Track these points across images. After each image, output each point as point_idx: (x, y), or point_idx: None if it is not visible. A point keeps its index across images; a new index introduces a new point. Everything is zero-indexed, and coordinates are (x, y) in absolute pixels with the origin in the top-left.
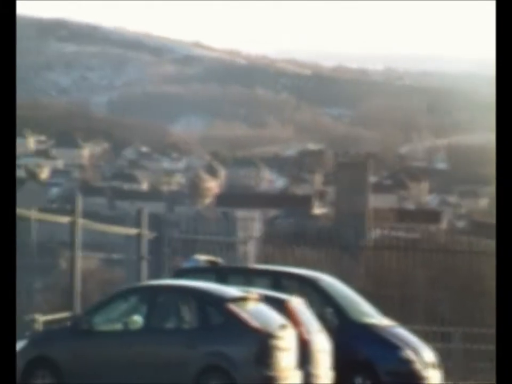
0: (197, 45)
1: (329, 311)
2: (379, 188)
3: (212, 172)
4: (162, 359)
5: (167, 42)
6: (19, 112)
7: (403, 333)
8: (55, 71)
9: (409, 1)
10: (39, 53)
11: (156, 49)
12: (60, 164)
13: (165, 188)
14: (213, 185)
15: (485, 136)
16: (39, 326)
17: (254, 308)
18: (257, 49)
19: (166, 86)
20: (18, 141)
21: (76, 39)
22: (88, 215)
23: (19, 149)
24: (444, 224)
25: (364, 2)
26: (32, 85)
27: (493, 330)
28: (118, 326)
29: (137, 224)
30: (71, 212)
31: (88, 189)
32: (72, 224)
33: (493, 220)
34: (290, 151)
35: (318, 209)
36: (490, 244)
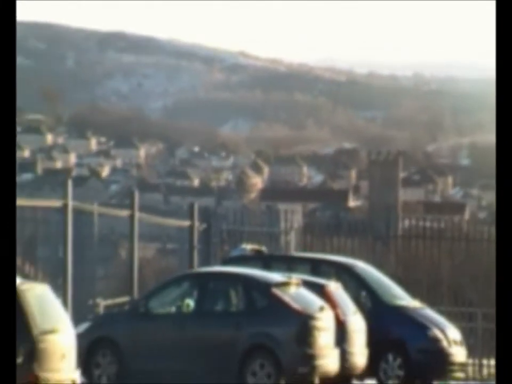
0: (243, 54)
1: (363, 294)
2: (408, 183)
3: (257, 169)
4: (212, 340)
5: (216, 52)
6: (83, 116)
7: (431, 313)
8: (114, 79)
9: (434, 14)
10: (99, 63)
11: (206, 59)
12: (118, 163)
13: (214, 184)
14: (257, 181)
15: None
16: (100, 310)
17: (295, 292)
18: (297, 57)
19: (215, 92)
20: (82, 142)
21: (133, 49)
22: (144, 209)
23: (82, 149)
24: (467, 215)
25: (394, 16)
26: (94, 92)
27: None
28: (172, 310)
29: (189, 217)
30: (130, 206)
31: (145, 186)
32: (131, 218)
33: None
34: (328, 149)
35: (353, 203)
36: None
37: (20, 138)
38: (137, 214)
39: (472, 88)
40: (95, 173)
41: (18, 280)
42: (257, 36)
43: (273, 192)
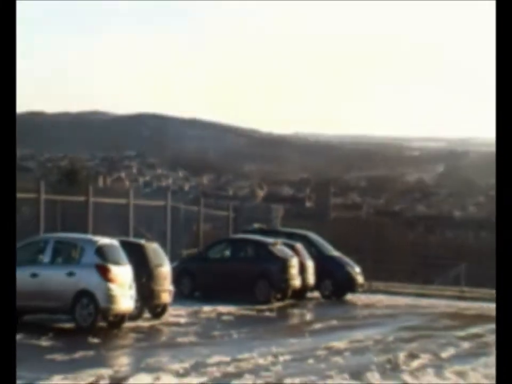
0: None
1: (313, 249)
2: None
3: (260, 188)
4: (238, 270)
5: None
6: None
7: (346, 259)
8: None
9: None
10: None
11: None
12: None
13: (239, 194)
14: (260, 193)
15: None
16: (183, 255)
17: (279, 248)
18: None
19: None
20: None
21: None
22: (204, 206)
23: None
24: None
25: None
26: None
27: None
28: (218, 256)
29: (227, 210)
30: (198, 205)
31: (206, 195)
32: (198, 211)
33: None
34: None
35: (307, 204)
36: None
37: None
38: (202, 210)
39: None
40: (182, 189)
41: (143, 241)
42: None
43: (269, 198)
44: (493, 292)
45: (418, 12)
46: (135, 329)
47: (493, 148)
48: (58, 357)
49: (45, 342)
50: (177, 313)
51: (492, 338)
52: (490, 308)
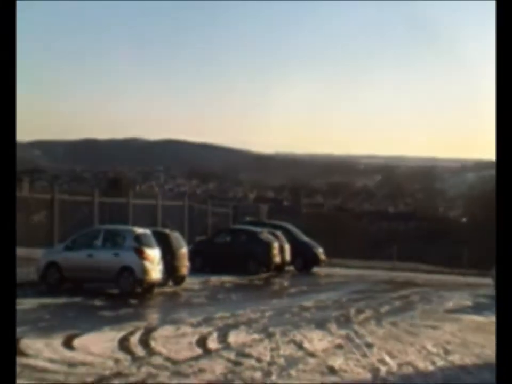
0: None
1: (289, 236)
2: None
3: (251, 191)
4: (234, 251)
5: None
6: None
7: (313, 242)
8: None
9: None
10: None
11: None
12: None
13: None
14: (252, 196)
15: None
16: (196, 241)
17: (265, 235)
18: None
19: None
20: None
21: None
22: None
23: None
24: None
25: None
26: None
27: None
28: (221, 240)
29: (228, 207)
30: (206, 204)
31: (214, 199)
32: (207, 210)
33: None
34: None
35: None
36: None
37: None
38: (210, 208)
39: None
40: (195, 193)
41: (168, 230)
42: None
43: (257, 199)
44: (417, 265)
45: None
46: (162, 294)
47: (417, 163)
48: (107, 313)
49: (98, 303)
50: (192, 282)
51: (415, 298)
52: (414, 276)
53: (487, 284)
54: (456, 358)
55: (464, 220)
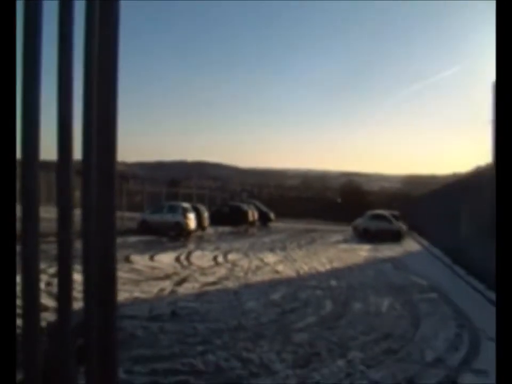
0: None
1: (257, 207)
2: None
3: (243, 189)
4: (231, 216)
5: None
6: None
7: (269, 211)
8: None
9: None
10: None
11: None
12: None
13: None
14: (244, 193)
15: None
16: (211, 212)
17: (245, 207)
18: None
19: None
20: None
21: None
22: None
23: None
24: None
25: None
26: None
27: None
28: (225, 211)
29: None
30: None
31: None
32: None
33: None
34: None
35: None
36: None
37: None
38: (219, 194)
39: None
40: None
41: (198, 205)
42: None
43: (242, 191)
44: (318, 221)
45: None
46: (195, 235)
47: (376, 178)
48: (169, 244)
49: (164, 239)
50: (209, 230)
51: (316, 236)
52: (316, 227)
53: (349, 230)
54: (335, 264)
55: (338, 200)
